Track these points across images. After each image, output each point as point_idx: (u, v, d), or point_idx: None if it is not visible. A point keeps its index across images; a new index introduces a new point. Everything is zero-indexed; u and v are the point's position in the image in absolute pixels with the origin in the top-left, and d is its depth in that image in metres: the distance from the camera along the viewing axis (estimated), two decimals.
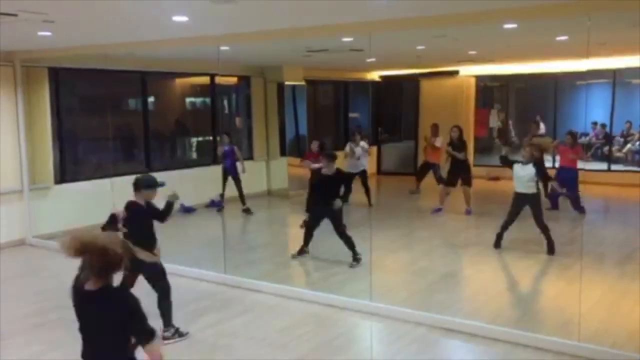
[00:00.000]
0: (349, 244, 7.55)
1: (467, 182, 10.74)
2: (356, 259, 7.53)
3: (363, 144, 11.41)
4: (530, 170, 7.89)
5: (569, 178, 10.14)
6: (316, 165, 9.27)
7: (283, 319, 5.86)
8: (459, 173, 10.69)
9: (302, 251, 7.98)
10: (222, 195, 11.02)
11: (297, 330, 5.57)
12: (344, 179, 7.91)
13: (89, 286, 2.91)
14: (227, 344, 5.31)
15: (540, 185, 8.26)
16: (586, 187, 10.06)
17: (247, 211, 11.02)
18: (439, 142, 12.09)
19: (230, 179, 10.94)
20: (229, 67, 12.16)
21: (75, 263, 3.01)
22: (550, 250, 7.96)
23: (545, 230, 7.98)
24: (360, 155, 11.31)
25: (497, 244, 8.27)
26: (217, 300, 6.46)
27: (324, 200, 7.63)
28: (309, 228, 7.93)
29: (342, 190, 7.79)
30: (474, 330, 5.39)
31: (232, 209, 10.88)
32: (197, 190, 11.28)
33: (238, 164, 11.01)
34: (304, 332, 5.51)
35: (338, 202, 7.54)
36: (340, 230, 7.58)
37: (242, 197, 11.01)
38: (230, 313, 6.08)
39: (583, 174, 10.40)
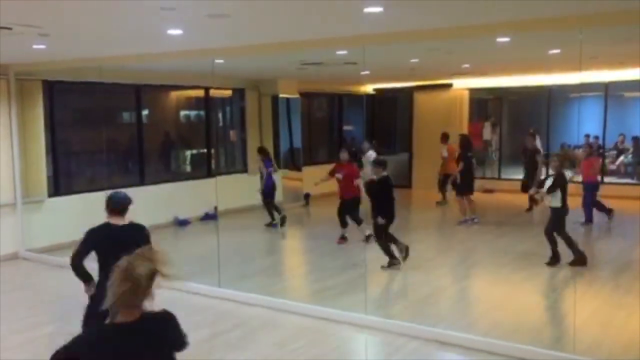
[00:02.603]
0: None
1: (470, 191, 10.73)
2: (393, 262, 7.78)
3: (370, 153, 11.18)
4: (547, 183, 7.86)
5: (594, 189, 10.23)
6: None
7: (277, 333, 5.83)
8: (468, 183, 10.71)
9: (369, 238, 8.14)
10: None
11: (292, 344, 5.55)
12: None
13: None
14: (220, 358, 5.27)
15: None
16: (579, 200, 10.12)
17: (279, 223, 10.81)
18: (445, 152, 12.26)
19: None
20: (223, 80, 12.17)
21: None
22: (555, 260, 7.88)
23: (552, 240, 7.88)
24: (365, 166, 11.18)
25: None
26: (211, 314, 6.42)
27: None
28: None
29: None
30: (468, 343, 5.37)
31: (226, 223, 10.83)
32: (192, 203, 11.27)
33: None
34: (299, 346, 5.49)
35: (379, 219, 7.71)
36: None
37: (273, 211, 10.89)
38: (224, 327, 6.04)
39: (576, 187, 10.45)
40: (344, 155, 9.67)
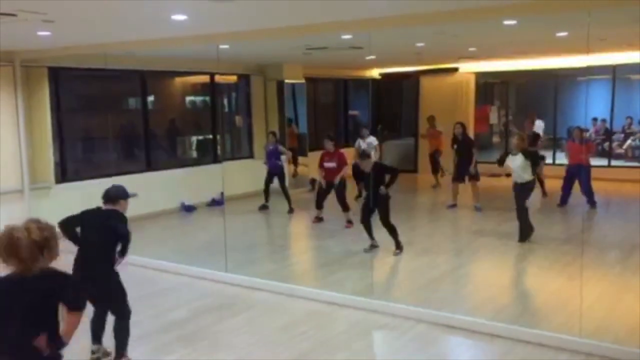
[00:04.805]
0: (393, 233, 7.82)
1: (474, 177, 10.73)
2: (399, 247, 7.83)
3: (371, 139, 11.35)
4: (519, 160, 8.17)
5: (579, 174, 10.23)
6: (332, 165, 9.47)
7: (284, 317, 5.86)
8: (466, 168, 10.69)
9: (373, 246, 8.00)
10: (267, 197, 11.13)
11: (298, 328, 5.58)
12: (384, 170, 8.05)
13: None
14: (228, 342, 5.31)
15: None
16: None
17: (291, 211, 10.99)
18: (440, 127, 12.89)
19: (275, 178, 11.02)
20: (228, 66, 12.15)
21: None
22: (522, 237, 8.23)
23: (521, 217, 8.25)
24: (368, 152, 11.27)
25: (523, 238, 8.29)
26: (218, 299, 6.46)
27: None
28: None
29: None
30: (475, 326, 5.39)
31: (232, 208, 10.87)
32: (198, 189, 11.30)
33: (283, 159, 11.17)
34: (305, 330, 5.52)
35: (382, 189, 7.68)
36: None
37: (287, 196, 11.02)
38: (231, 311, 6.08)
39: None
40: (329, 145, 9.82)
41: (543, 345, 5.01)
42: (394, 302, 5.96)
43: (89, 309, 4.71)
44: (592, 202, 10.35)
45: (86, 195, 9.30)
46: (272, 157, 11.02)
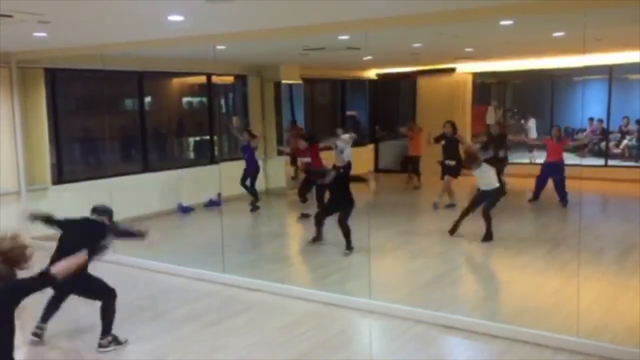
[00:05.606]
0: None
1: (454, 173, 10.83)
2: (349, 247, 7.93)
3: (345, 137, 11.56)
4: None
5: (554, 170, 10.42)
6: (307, 160, 9.65)
7: (282, 318, 5.86)
8: (452, 168, 10.73)
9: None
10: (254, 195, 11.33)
11: (296, 328, 5.57)
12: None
13: None
14: (226, 344, 5.30)
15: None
16: (583, 183, 10.14)
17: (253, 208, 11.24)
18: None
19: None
20: (225, 67, 12.15)
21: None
22: (487, 237, 8.43)
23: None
24: (342, 149, 11.56)
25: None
26: (216, 300, 6.45)
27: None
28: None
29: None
30: (473, 327, 5.39)
31: (230, 209, 10.86)
32: (195, 189, 11.29)
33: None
34: (303, 331, 5.51)
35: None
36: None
37: (250, 193, 11.27)
38: (229, 312, 6.07)
39: (580, 170, 10.51)
40: (302, 143, 10.39)
41: (541, 346, 5.01)
42: (392, 303, 5.95)
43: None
44: (564, 201, 10.48)
45: (83, 196, 9.38)
46: (246, 153, 11.18)
